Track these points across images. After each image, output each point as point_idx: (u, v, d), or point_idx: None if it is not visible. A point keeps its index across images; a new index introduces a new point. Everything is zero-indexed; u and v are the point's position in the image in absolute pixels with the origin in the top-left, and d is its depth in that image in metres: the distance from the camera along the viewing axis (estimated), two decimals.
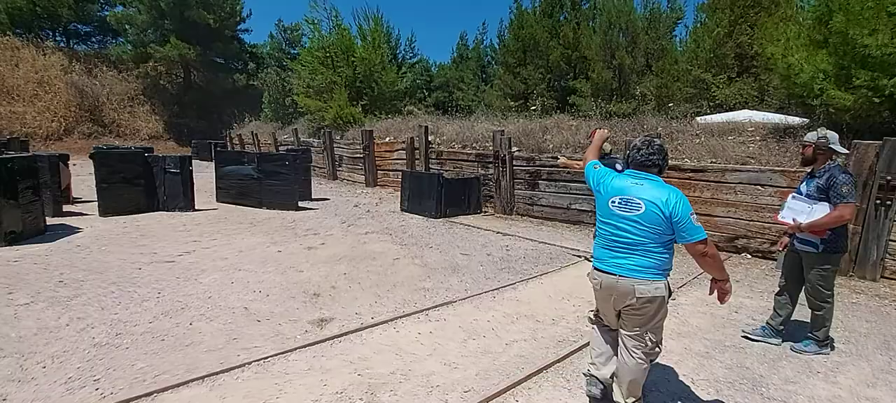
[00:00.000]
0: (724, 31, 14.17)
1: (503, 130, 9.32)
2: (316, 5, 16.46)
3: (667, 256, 2.35)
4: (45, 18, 29.25)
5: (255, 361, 3.16)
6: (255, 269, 5.36)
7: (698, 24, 16.96)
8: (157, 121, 29.09)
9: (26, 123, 24.62)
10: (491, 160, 9.50)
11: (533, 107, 15.64)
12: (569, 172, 8.11)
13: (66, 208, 8.64)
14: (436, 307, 4.27)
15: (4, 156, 6.64)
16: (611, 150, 5.48)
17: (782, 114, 8.51)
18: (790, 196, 3.58)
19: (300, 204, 10.10)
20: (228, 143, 25.07)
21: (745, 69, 13.88)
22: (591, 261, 2.63)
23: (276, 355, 3.27)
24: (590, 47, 21.25)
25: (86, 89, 27.09)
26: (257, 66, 30.81)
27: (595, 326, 2.74)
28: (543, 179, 8.70)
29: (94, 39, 33.07)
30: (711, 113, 11.45)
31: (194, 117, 29.98)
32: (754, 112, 8.67)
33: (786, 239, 3.74)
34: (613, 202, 2.42)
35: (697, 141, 7.20)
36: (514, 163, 9.11)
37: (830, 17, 5.86)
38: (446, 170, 10.77)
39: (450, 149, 10.83)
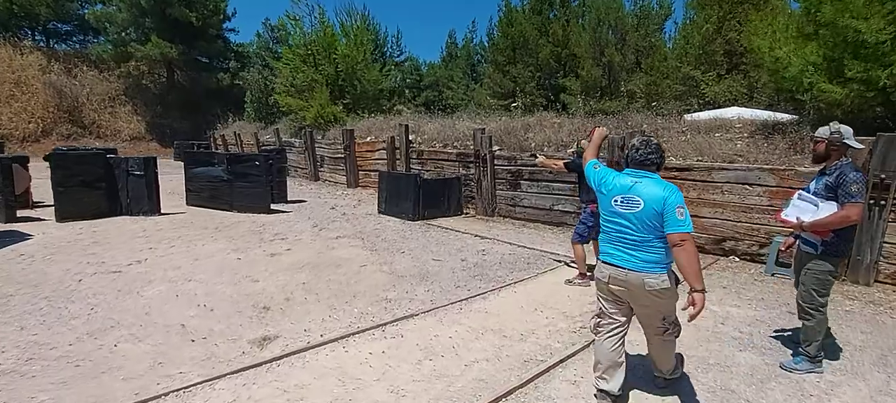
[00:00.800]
0: (713, 28, 13.91)
1: (484, 128, 8.96)
2: (298, 1, 16.00)
3: (667, 250, 2.43)
4: (23, 17, 28.49)
5: (173, 392, 2.77)
6: (207, 279, 4.96)
7: (687, 21, 16.71)
8: (139, 121, 28.42)
9: (2, 125, 23.91)
10: (472, 159, 9.13)
11: (514, 105, 15.27)
12: (550, 172, 7.77)
13: (21, 213, 8.16)
14: (395, 321, 3.89)
15: None
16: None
17: (771, 110, 8.23)
18: (796, 194, 3.26)
19: (274, 206, 9.68)
20: (212, 144, 24.52)
21: (734, 66, 13.63)
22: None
23: (200, 383, 2.88)
24: (579, 45, 20.97)
25: (64, 89, 26.38)
26: (242, 66, 30.19)
27: (598, 335, 2.73)
28: (525, 179, 8.35)
29: (74, 39, 32.36)
30: (701, 110, 11.16)
31: (178, 117, 29.33)
32: (743, 109, 8.38)
33: (791, 241, 3.45)
34: (616, 201, 2.52)
35: (683, 138, 6.88)
36: (496, 162, 8.75)
37: (820, 6, 5.55)
38: (427, 170, 10.40)
39: (430, 149, 10.46)
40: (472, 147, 9.14)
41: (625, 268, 2.47)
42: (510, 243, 6.81)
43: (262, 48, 32.22)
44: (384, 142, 11.69)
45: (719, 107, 11.03)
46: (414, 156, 10.84)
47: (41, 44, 30.15)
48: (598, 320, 2.72)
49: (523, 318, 4.06)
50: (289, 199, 10.59)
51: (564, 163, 5.10)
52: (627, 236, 2.47)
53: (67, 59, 28.88)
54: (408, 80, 36.45)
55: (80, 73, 28.14)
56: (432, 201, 8.56)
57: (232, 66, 29.04)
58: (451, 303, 4.34)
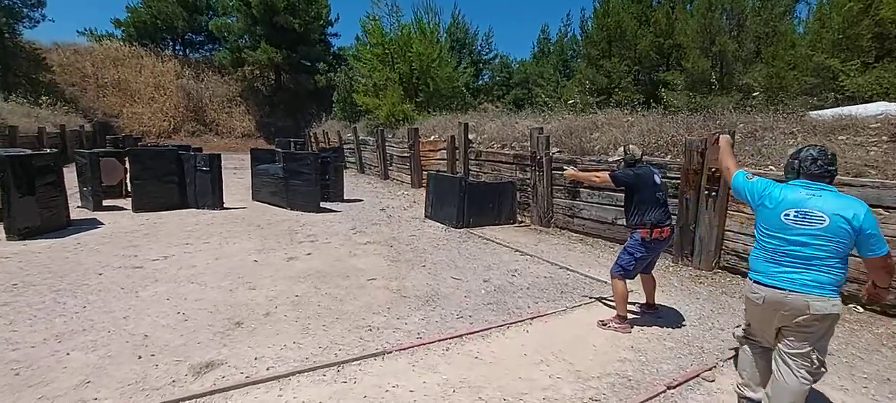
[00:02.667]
0: (859, 7, 11.05)
1: (542, 128, 7.91)
2: (378, 2, 16.12)
3: (844, 271, 2.26)
4: (165, 30, 33.12)
5: None
6: (209, 282, 4.78)
7: (825, 1, 13.64)
8: (250, 120, 31.47)
9: (143, 122, 27.97)
10: (529, 162, 8.13)
11: (570, 101, 13.70)
12: (589, 187, 6.57)
13: (109, 202, 9.05)
14: (358, 360, 3.25)
15: (24, 153, 6.90)
16: (641, 154, 4.00)
17: None
18: None
19: (327, 205, 9.65)
20: (307, 141, 26.18)
21: (887, 52, 10.67)
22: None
23: None
24: (685, 33, 18.49)
25: (192, 92, 30.13)
26: (330, 67, 31.83)
27: (744, 345, 2.62)
28: (585, 187, 7.16)
29: (205, 48, 36.88)
30: (840, 105, 8.83)
31: (282, 116, 31.93)
32: (893, 104, 6.27)
33: None
34: (787, 215, 2.32)
35: (793, 141, 5.23)
36: (553, 166, 7.66)
37: None
38: (484, 173, 9.60)
39: (488, 149, 9.63)
40: (529, 148, 8.14)
41: (785, 290, 2.27)
42: (552, 263, 5.78)
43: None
44: (445, 141, 11.11)
45: (864, 101, 8.61)
46: (472, 157, 10.10)
47: (179, 52, 34.87)
48: (744, 338, 2.59)
49: (520, 372, 3.15)
50: (345, 198, 10.52)
51: (610, 175, 3.97)
52: (797, 253, 2.27)
53: (197, 65, 33.04)
54: (497, 78, 35.64)
55: (205, 78, 32.00)
56: (479, 207, 7.76)
57: (321, 66, 30.72)
58: (441, 340, 3.57)
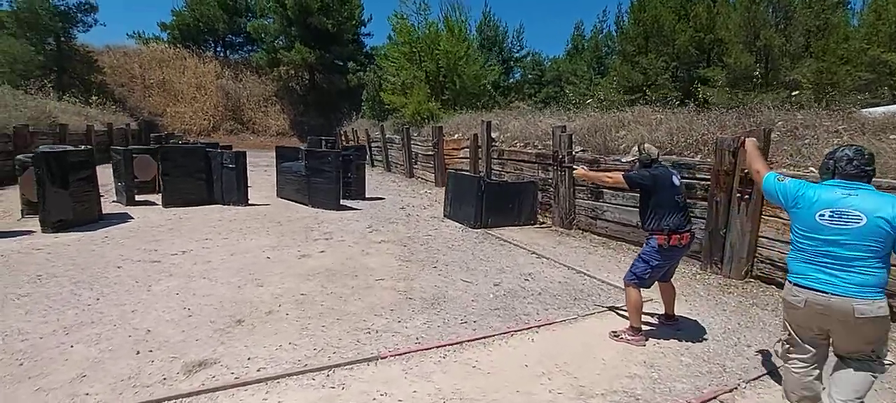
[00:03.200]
0: None
1: (565, 126, 7.61)
2: (405, 1, 16.12)
3: (885, 272, 2.17)
4: (207, 32, 34.46)
5: None
6: (220, 278, 4.83)
7: None
8: (284, 119, 32.31)
9: (185, 121, 29.22)
10: (551, 162, 7.85)
11: (588, 100, 13.20)
12: (604, 187, 6.20)
13: (142, 197, 9.40)
14: (350, 364, 3.15)
15: (59, 150, 7.23)
16: (658, 154, 3.72)
17: None
18: None
19: (348, 203, 9.68)
20: (337, 139, 26.60)
21: None
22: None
23: None
24: (727, 27, 17.59)
25: (230, 92, 31.23)
26: (360, 66, 32.15)
27: (787, 362, 2.48)
28: (608, 188, 6.83)
29: (245, 49, 38.15)
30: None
31: (315, 115, 32.58)
32: None
33: None
34: (822, 215, 2.25)
35: (838, 140, 4.76)
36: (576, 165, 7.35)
37: None
38: (507, 172, 9.37)
39: (510, 148, 9.38)
40: (551, 147, 7.86)
41: (827, 293, 2.19)
42: (569, 266, 5.51)
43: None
44: (468, 140, 10.94)
45: None
46: (495, 156, 9.88)
47: (219, 53, 36.21)
48: (787, 346, 2.45)
49: (519, 385, 2.96)
50: (367, 196, 10.53)
51: (624, 176, 3.69)
52: (835, 254, 2.20)
53: (236, 66, 34.22)
54: (529, 76, 35.06)
55: (243, 78, 33.10)
56: (498, 207, 7.55)
57: (353, 66, 31.08)
58: (440, 346, 3.42)
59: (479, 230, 7.37)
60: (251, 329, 3.68)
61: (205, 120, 29.82)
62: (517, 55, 32.13)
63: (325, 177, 9.02)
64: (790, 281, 2.37)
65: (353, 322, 3.84)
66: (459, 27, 16.01)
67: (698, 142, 5.98)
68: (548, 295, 4.58)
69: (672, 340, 3.62)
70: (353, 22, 31.69)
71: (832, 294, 2.17)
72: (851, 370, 2.25)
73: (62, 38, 25.62)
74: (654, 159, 3.66)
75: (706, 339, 3.67)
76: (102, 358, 3.18)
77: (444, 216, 8.42)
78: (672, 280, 3.84)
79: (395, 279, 4.97)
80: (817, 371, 2.38)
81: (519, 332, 3.71)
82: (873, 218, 2.12)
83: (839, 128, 4.97)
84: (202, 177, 9.23)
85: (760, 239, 4.99)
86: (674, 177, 3.56)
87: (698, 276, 5.26)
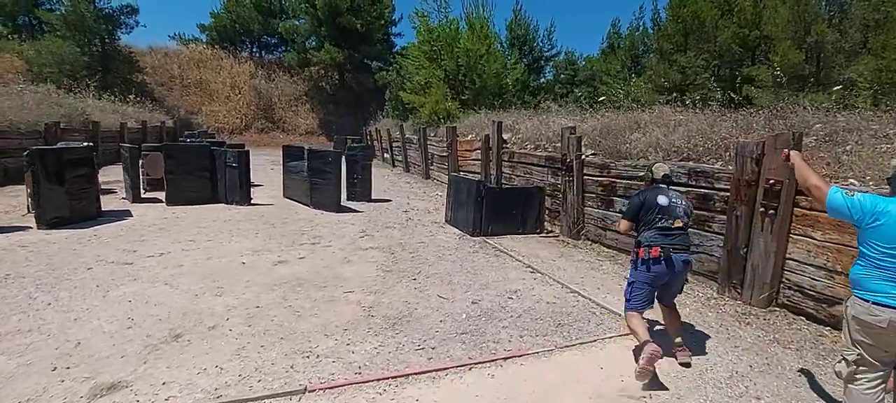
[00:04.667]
0: None
1: (574, 127, 6.98)
2: None
3: None
4: (243, 33, 35.38)
5: None
6: (182, 285, 4.58)
7: None
8: (314, 118, 32.69)
9: (219, 120, 30.03)
10: (560, 166, 7.24)
11: (601, 99, 12.32)
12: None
13: (151, 194, 9.47)
14: (269, 398, 2.75)
15: (56, 147, 7.26)
16: (665, 174, 3.25)
17: None
18: None
19: (351, 204, 9.40)
20: (364, 138, 26.59)
21: None
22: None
23: None
24: (775, 22, 16.28)
25: (263, 91, 31.87)
26: (382, 65, 32.06)
27: (853, 383, 2.34)
28: (619, 195, 6.16)
29: (278, 49, 38.95)
30: None
31: (344, 114, 32.80)
32: None
33: None
34: None
35: (888, 146, 3.96)
36: (585, 170, 6.72)
37: None
38: (517, 175, 8.79)
39: (521, 150, 8.79)
40: (560, 150, 7.25)
41: None
42: (564, 284, 4.92)
43: None
44: (481, 140, 10.42)
45: None
46: (505, 158, 9.32)
47: (255, 54, 37.11)
48: (854, 368, 2.33)
49: None
50: (373, 198, 10.20)
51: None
52: None
53: (269, 66, 34.95)
54: (561, 76, 33.96)
55: (276, 78, 33.73)
56: (500, 214, 7.01)
57: (374, 65, 31.06)
58: (381, 379, 2.98)
59: (477, 238, 6.86)
60: (185, 346, 3.36)
61: (237, 118, 30.55)
62: (548, 54, 31.14)
63: (326, 178, 8.75)
64: (866, 300, 2.25)
65: (297, 343, 3.46)
66: (481, 24, 15.47)
67: (721, 146, 5.24)
68: (529, 319, 4.04)
69: (660, 391, 3.00)
70: (383, 21, 31.67)
71: None
72: None
73: (107, 40, 26.86)
74: (655, 179, 3.45)
75: (703, 386, 3.04)
76: (16, 374, 2.93)
77: (446, 221, 7.96)
78: (681, 303, 3.29)
79: (365, 292, 4.56)
80: (883, 389, 2.30)
81: (479, 365, 3.21)
82: None
83: (890, 132, 4.16)
84: (206, 175, 9.18)
85: (788, 261, 4.24)
86: (660, 197, 3.28)
87: (713, 302, 4.56)
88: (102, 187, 9.77)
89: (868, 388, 2.30)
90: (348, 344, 3.46)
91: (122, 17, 26.83)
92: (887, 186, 2.38)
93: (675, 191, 3.44)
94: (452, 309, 4.21)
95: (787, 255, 4.26)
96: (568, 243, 6.83)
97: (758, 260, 4.38)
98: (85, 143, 9.06)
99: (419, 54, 16.09)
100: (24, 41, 25.60)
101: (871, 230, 2.27)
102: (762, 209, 4.30)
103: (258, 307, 4.10)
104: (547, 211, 7.63)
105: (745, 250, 4.49)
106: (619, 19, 42.97)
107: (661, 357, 2.92)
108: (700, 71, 19.93)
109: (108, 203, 8.62)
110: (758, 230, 4.36)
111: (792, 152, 2.73)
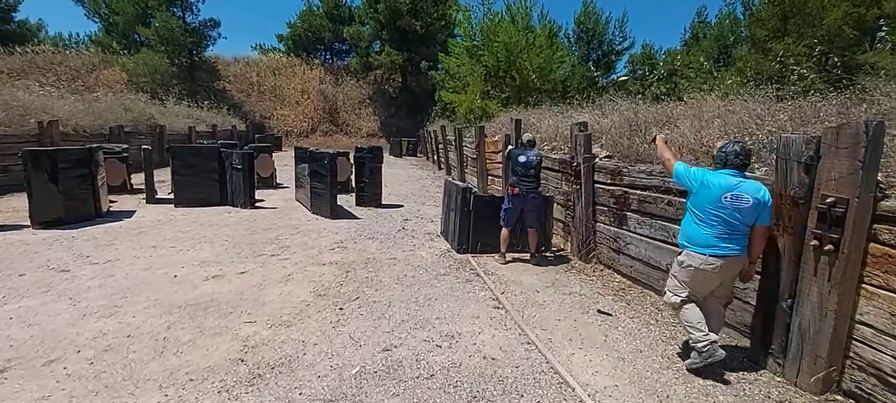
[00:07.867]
0: None
1: (584, 123, 5.60)
2: None
3: None
4: (315, 41, 36.96)
5: None
6: (84, 300, 4.11)
7: None
8: (375, 120, 33.11)
9: (288, 123, 31.48)
10: (570, 171, 5.89)
11: (622, 78, 10.20)
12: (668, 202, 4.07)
13: (162, 195, 9.56)
14: None
15: (49, 149, 7.37)
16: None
17: None
18: None
19: (354, 210, 8.75)
20: (421, 139, 26.18)
21: None
22: None
23: None
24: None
25: (328, 95, 32.92)
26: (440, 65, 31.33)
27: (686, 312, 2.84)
28: (633, 210, 4.72)
29: (348, 55, 40.17)
30: None
31: (404, 116, 32.83)
32: None
33: None
34: None
35: None
36: (596, 177, 5.33)
37: None
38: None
39: None
40: (569, 151, 5.89)
41: None
42: (525, 332, 3.67)
43: None
44: (502, 141, 9.22)
45: None
46: None
47: (326, 61, 38.60)
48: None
49: None
50: (383, 203, 9.44)
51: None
52: None
53: (337, 71, 36.11)
54: (638, 71, 30.99)
55: (343, 82, 34.74)
56: (493, 228, 5.84)
57: (430, 67, 30.49)
58: None
59: (463, 255, 5.76)
60: (0, 383, 2.77)
61: (304, 122, 31.83)
62: (619, 47, 28.54)
63: (322, 182, 8.15)
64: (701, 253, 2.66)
65: (116, 396, 2.70)
66: (524, 14, 14.11)
67: (769, 143, 3.67)
68: (438, 384, 2.92)
69: None
70: (444, 22, 31.16)
71: None
72: None
73: (194, 52, 29.34)
74: (522, 143, 5.17)
75: None
76: None
77: (440, 232, 6.95)
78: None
79: (269, 323, 3.73)
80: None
81: None
82: None
83: None
84: (214, 177, 9.03)
85: (859, 326, 2.68)
86: (520, 156, 5.26)
87: (743, 381, 3.06)
88: (133, 187, 10.15)
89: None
90: (181, 398, 2.63)
91: (206, 30, 29.05)
92: None
93: (534, 151, 5.24)
94: (351, 357, 3.22)
95: (858, 317, 2.69)
96: (572, 266, 5.47)
97: (808, 319, 2.84)
98: (87, 146, 9.26)
99: (461, 51, 15.13)
100: (131, 55, 28.73)
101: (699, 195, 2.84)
102: (816, 242, 2.77)
103: (129, 336, 3.45)
104: (561, 226, 6.31)
105: (789, 302, 2.96)
106: (706, 7, 38.29)
107: None
108: (802, 59, 16.73)
109: (123, 203, 8.81)
110: (808, 273, 2.83)
111: (658, 136, 2.93)
